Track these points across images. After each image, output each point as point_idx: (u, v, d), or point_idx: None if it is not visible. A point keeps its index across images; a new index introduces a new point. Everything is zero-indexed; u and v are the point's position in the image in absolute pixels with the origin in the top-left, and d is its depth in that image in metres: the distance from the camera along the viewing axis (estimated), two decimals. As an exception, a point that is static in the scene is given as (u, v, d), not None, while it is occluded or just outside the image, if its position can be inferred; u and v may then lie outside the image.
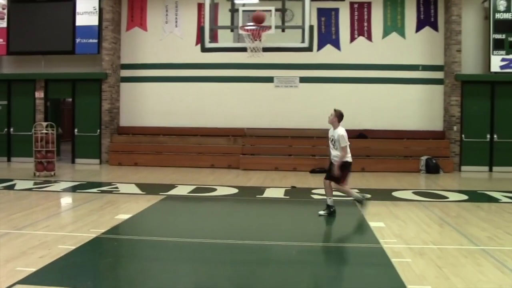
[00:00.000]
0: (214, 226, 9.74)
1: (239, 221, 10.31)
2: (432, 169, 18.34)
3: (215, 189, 13.88)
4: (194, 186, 14.28)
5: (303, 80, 20.12)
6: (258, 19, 11.52)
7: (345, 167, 10.27)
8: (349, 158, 10.29)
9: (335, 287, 6.43)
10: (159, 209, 11.26)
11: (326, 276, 6.96)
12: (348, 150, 10.27)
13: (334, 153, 10.35)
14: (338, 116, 10.35)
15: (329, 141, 10.47)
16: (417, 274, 6.56)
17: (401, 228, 9.35)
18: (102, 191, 13.30)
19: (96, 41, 19.85)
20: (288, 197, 13.00)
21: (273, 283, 6.40)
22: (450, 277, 6.48)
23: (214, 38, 16.74)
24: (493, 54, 19.09)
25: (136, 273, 6.79)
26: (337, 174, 10.15)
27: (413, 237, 8.63)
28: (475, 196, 13.48)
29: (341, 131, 10.20)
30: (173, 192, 13.41)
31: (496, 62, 19.10)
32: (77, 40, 19.93)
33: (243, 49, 12.44)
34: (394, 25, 20.04)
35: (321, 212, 10.40)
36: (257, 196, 13.10)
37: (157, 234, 8.94)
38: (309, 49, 12.31)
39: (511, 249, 7.96)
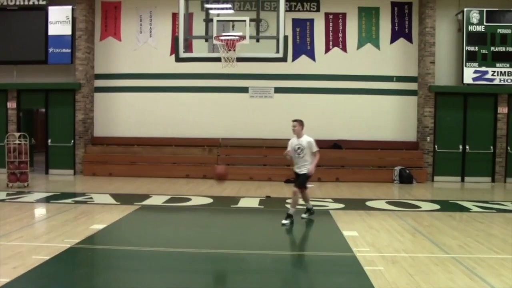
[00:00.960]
0: (189, 236, 9.72)
1: (213, 231, 10.28)
2: (405, 179, 18.50)
3: (189, 199, 13.84)
4: (169, 196, 14.23)
5: (278, 90, 20.20)
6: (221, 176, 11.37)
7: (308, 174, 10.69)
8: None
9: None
10: (134, 219, 11.21)
11: (300, 284, 6.99)
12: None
13: (301, 162, 10.69)
14: (302, 125, 10.82)
15: (294, 152, 10.72)
16: (389, 281, 6.63)
17: (374, 237, 9.43)
18: (76, 202, 13.18)
19: (69, 50, 19.71)
20: (262, 206, 13.03)
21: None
22: (421, 285, 6.55)
23: (188, 48, 16.76)
24: (466, 66, 19.36)
25: (111, 283, 6.75)
26: (311, 172, 10.61)
27: (385, 246, 8.71)
28: (447, 206, 13.64)
29: (309, 138, 10.71)
30: (147, 202, 13.35)
31: (469, 74, 19.37)
32: (50, 50, 19.76)
33: (218, 59, 12.49)
34: (368, 36, 20.25)
35: (304, 216, 11.11)
36: (231, 205, 13.12)
37: (132, 244, 8.89)
38: (283, 59, 12.40)
39: (480, 257, 8.08)
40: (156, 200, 13.72)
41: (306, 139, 10.65)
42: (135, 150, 19.98)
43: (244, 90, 20.24)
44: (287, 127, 19.58)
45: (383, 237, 9.48)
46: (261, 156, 19.53)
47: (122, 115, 20.60)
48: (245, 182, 17.88)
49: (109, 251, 8.45)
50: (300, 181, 10.72)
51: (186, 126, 20.26)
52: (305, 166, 10.67)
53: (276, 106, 20.13)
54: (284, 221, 10.39)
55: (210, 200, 13.77)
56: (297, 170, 10.81)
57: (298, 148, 10.63)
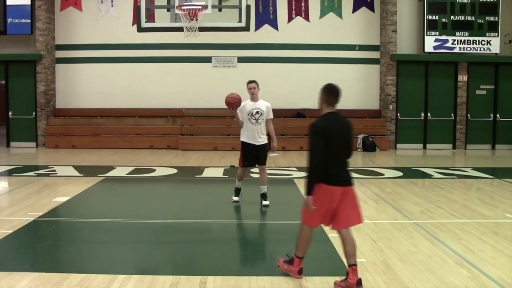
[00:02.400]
0: (154, 207, 9.70)
1: (178, 201, 10.31)
2: (368, 147, 18.73)
3: (154, 170, 13.80)
4: (133, 167, 14.16)
5: (241, 60, 20.11)
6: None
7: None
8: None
9: (275, 262, 6.52)
10: (98, 191, 11.15)
11: (267, 252, 7.08)
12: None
13: (260, 131, 9.29)
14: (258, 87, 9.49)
15: (250, 118, 9.20)
16: (352, 248, 6.74)
17: (338, 204, 9.55)
18: (39, 175, 13.02)
19: (29, 21, 19.24)
20: (227, 176, 13.05)
21: (213, 261, 6.45)
22: (384, 250, 6.69)
23: (150, 17, 16.57)
24: (427, 35, 19.58)
25: (75, 255, 6.74)
26: (275, 148, 9.51)
27: (349, 213, 8.83)
28: (410, 173, 13.88)
29: (265, 101, 9.42)
30: (111, 173, 13.26)
31: (430, 43, 19.61)
32: (9, 20, 19.26)
33: (180, 29, 12.37)
34: (331, 5, 20.22)
35: (265, 202, 9.46)
36: (196, 176, 13.13)
37: (96, 216, 8.85)
38: (245, 28, 12.37)
39: (441, 222, 8.28)
40: (120, 171, 13.64)
41: (264, 103, 9.33)
42: (98, 122, 19.73)
43: (207, 60, 20.08)
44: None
45: (346, 204, 9.60)
46: (225, 126, 19.49)
47: (85, 87, 20.24)
48: (209, 152, 17.87)
49: (73, 224, 8.40)
50: (265, 155, 9.47)
51: (149, 97, 20.04)
52: (264, 136, 9.37)
53: (239, 75, 19.95)
54: (265, 202, 9.39)
55: (174, 171, 13.76)
56: (253, 142, 9.25)
57: (257, 113, 9.21)
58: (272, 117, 9.50)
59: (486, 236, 7.45)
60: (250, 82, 9.41)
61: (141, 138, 19.15)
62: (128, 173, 13.33)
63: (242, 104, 9.21)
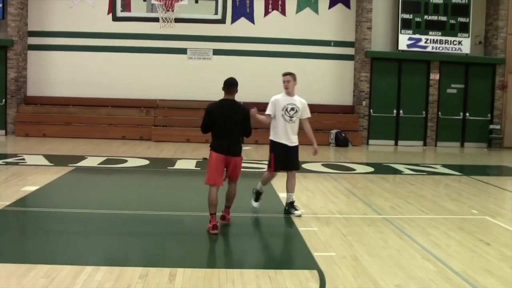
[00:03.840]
0: (124, 198, 9.65)
1: (149, 193, 10.23)
2: (341, 142, 18.87)
3: (126, 161, 13.71)
4: (105, 158, 14.05)
5: (216, 52, 20.05)
6: None
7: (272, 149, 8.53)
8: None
9: (245, 255, 6.58)
10: (68, 180, 11.03)
11: (237, 245, 7.10)
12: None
13: (294, 130, 8.27)
14: (296, 80, 8.39)
15: (284, 115, 8.20)
16: (322, 242, 6.82)
17: (309, 198, 9.63)
18: (7, 163, 12.83)
19: (0, 5, 18.94)
20: (199, 168, 13.01)
21: (183, 253, 6.45)
22: (353, 244, 6.76)
23: (126, 7, 16.49)
24: (401, 33, 19.80)
25: (42, 246, 6.65)
26: (317, 152, 8.60)
27: (320, 207, 8.92)
28: (381, 169, 14.03)
29: (302, 99, 8.39)
30: (82, 163, 13.13)
31: (404, 41, 19.84)
32: (-20, 4, 18.95)
33: (156, 19, 12.31)
34: (307, 1, 20.27)
35: (298, 212, 8.24)
36: (168, 167, 13.09)
37: (65, 206, 8.74)
38: (221, 21, 12.37)
39: (410, 217, 8.40)
40: (91, 161, 13.52)
41: (300, 100, 8.29)
42: (70, 111, 19.51)
43: (183, 51, 19.99)
44: (225, 89, 19.66)
45: (318, 198, 9.70)
46: (198, 118, 18.91)
47: (57, 75, 19.98)
48: (182, 144, 17.83)
49: (41, 214, 8.29)
50: (298, 158, 8.41)
51: (123, 87, 19.88)
52: (296, 136, 8.32)
53: (214, 68, 19.98)
54: (297, 213, 8.18)
55: (146, 162, 13.69)
56: (285, 142, 8.23)
57: (292, 109, 8.17)
58: (309, 115, 8.44)
59: (452, 232, 7.59)
60: (285, 74, 8.42)
61: (113, 128, 19.01)
62: (100, 163, 13.23)
63: (275, 97, 8.36)
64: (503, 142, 20.47)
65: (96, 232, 7.32)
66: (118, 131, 18.93)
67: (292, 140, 8.21)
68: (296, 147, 8.28)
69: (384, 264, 6.08)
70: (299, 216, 8.09)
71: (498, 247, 6.91)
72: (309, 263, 5.98)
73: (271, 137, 8.37)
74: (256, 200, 8.53)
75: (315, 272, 5.69)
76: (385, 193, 10.54)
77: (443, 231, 7.58)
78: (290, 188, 8.29)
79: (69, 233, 7.21)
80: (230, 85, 7.56)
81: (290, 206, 8.25)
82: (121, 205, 8.86)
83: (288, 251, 6.60)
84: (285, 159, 8.21)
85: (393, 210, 8.91)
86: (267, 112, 8.33)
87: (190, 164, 13.58)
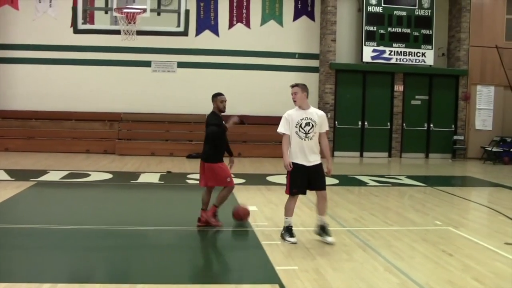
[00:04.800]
0: (86, 212, 9.40)
1: (111, 207, 10.04)
2: (307, 154, 18.78)
3: (89, 175, 13.45)
4: (67, 172, 13.76)
5: (181, 65, 19.94)
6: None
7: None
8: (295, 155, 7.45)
9: (206, 269, 6.45)
10: (29, 195, 10.76)
11: (199, 259, 6.96)
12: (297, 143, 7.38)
13: (312, 147, 7.36)
14: (307, 91, 7.46)
15: (299, 131, 7.30)
16: (285, 255, 6.73)
17: (273, 211, 9.54)
18: (-34, 178, 12.49)
19: (-40, 18, 18.55)
20: (163, 182, 12.86)
21: (145, 269, 6.29)
22: (316, 257, 6.68)
23: (90, 19, 16.24)
24: (365, 45, 19.92)
25: (1, 262, 6.42)
26: (330, 171, 7.76)
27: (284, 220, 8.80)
28: (346, 180, 14.01)
29: (319, 111, 7.56)
30: (44, 178, 12.84)
31: (368, 53, 19.97)
32: None
33: (118, 32, 12.16)
34: (272, 13, 20.32)
35: (330, 239, 7.41)
36: (131, 181, 12.86)
37: (25, 222, 8.50)
38: (184, 33, 12.27)
39: (374, 229, 8.37)
40: (54, 175, 13.23)
41: (317, 112, 7.37)
42: (33, 124, 19.13)
43: (147, 64, 19.84)
44: (190, 101, 19.63)
45: (281, 211, 9.46)
46: (163, 131, 19.29)
47: (20, 88, 19.59)
48: (147, 157, 17.60)
49: (1, 230, 8.04)
50: (322, 177, 7.55)
51: (87, 100, 19.59)
52: (316, 153, 7.40)
53: (179, 81, 19.89)
54: (329, 239, 7.36)
55: (109, 176, 13.45)
56: (302, 162, 7.33)
57: (307, 124, 7.26)
58: (327, 129, 7.54)
59: (416, 243, 7.57)
60: (292, 86, 7.54)
61: (77, 142, 18.67)
62: (62, 178, 12.95)
63: (288, 113, 7.40)
64: (466, 153, 20.71)
65: (56, 248, 7.10)
66: (82, 144, 18.60)
67: (310, 159, 7.28)
68: (317, 166, 7.37)
69: (346, 277, 6.01)
70: (331, 243, 7.26)
71: (460, 258, 6.90)
72: (271, 276, 5.89)
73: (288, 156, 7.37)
74: (291, 235, 7.41)
75: (276, 286, 5.60)
76: (350, 205, 10.51)
77: (407, 242, 7.55)
78: (320, 211, 7.49)
79: (27, 249, 6.98)
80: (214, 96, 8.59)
81: (322, 230, 7.43)
82: (82, 220, 8.63)
83: (249, 265, 6.48)
84: (303, 181, 7.39)
85: (357, 222, 8.87)
86: (281, 131, 7.34)
87: (154, 178, 13.38)
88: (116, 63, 19.60)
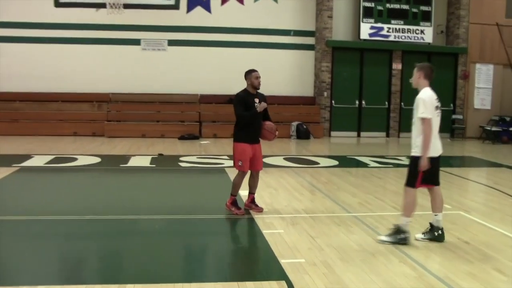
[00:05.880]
0: (72, 201, 8.69)
1: (99, 194, 9.31)
2: (302, 134, 18.30)
3: (75, 159, 12.72)
4: (53, 156, 13.03)
5: (172, 43, 19.20)
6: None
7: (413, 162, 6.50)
8: (417, 146, 6.44)
9: (203, 265, 5.84)
10: (11, 182, 10.08)
11: (196, 253, 6.35)
12: (433, 130, 6.36)
13: (413, 132, 6.56)
14: (424, 72, 6.60)
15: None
16: (290, 246, 6.15)
17: (272, 196, 8.95)
18: None
19: None
20: (154, 165, 12.22)
21: (135, 266, 5.72)
22: (323, 248, 6.12)
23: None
24: (362, 22, 19.27)
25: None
26: (423, 167, 6.36)
27: (285, 206, 8.24)
28: (345, 162, 13.47)
29: (422, 93, 6.42)
30: (28, 163, 12.09)
31: (366, 30, 19.33)
32: None
33: (103, 5, 11.44)
34: (266, -11, 19.61)
35: (419, 236, 6.63)
36: (121, 165, 12.18)
37: (8, 212, 7.86)
38: (175, 6, 11.57)
39: (381, 215, 7.81)
40: (38, 160, 12.50)
41: (419, 94, 6.45)
42: (16, 106, 18.34)
43: (136, 42, 19.06)
44: (181, 81, 18.96)
45: (281, 196, 9.03)
46: (154, 112, 18.62)
47: (2, 68, 18.75)
48: (137, 140, 16.93)
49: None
50: (410, 171, 6.55)
51: (74, 80, 18.77)
52: (415, 143, 6.47)
53: (170, 59, 19.16)
54: (396, 237, 6.37)
55: (98, 160, 12.75)
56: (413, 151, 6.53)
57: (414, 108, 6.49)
58: (420, 114, 6.36)
59: (428, 230, 7.01)
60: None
61: (64, 124, 17.92)
62: (47, 163, 12.22)
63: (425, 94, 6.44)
64: (465, 132, 20.23)
65: (38, 242, 6.45)
66: (69, 127, 17.86)
67: (413, 144, 6.50)
68: (409, 158, 6.60)
69: (359, 270, 5.44)
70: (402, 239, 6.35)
71: (478, 246, 6.38)
72: (276, 272, 5.32)
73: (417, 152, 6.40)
74: (402, 239, 6.39)
75: (283, 283, 5.02)
76: (352, 188, 9.94)
77: (418, 229, 6.97)
78: (434, 207, 6.66)
79: (5, 246, 6.37)
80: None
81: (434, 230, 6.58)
82: (67, 209, 7.94)
83: (252, 259, 5.90)
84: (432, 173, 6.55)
85: (363, 207, 8.30)
86: (428, 116, 6.28)
87: (145, 161, 12.70)
88: (104, 41, 18.79)
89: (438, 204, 6.64)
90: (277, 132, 7.89)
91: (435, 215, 6.60)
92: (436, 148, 6.48)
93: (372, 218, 7.56)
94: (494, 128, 19.13)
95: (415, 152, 6.42)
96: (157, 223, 7.27)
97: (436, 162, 6.53)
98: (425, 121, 6.23)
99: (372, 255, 5.93)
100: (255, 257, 6.01)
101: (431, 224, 6.62)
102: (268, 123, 7.83)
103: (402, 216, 6.47)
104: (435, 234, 6.54)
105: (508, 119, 19.53)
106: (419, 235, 6.62)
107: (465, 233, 6.95)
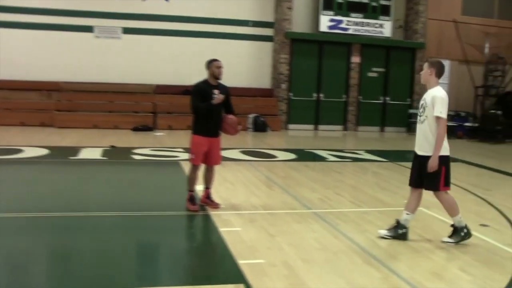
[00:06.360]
0: (14, 197, 8.09)
1: (46, 189, 8.74)
2: (260, 127, 18.00)
3: (21, 151, 11.99)
4: (-4, 147, 12.33)
5: (126, 31, 18.59)
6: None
7: (441, 164, 6.07)
8: (445, 146, 6.17)
9: (156, 268, 5.44)
10: None
11: (147, 254, 5.94)
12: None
13: (421, 134, 6.20)
14: (436, 69, 6.16)
15: (419, 111, 6.30)
16: (248, 245, 5.79)
17: (229, 191, 8.58)
18: None
19: None
20: (106, 158, 11.68)
21: (84, 272, 5.28)
22: (283, 247, 5.79)
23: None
24: (322, 14, 19.06)
25: None
26: (432, 168, 6.02)
27: (242, 202, 7.89)
28: (303, 155, 13.22)
29: (438, 91, 6.07)
30: (-33, 155, 11.38)
31: (325, 22, 19.13)
32: None
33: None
34: (224, -22, 19.18)
35: (446, 239, 6.30)
36: (70, 157, 11.57)
37: None
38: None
39: (342, 211, 7.54)
40: (-21, 152, 11.77)
41: (435, 92, 6.07)
42: (-41, 95, 17.45)
43: (89, 29, 18.38)
44: (136, 70, 18.38)
45: (239, 191, 8.68)
46: (106, 102, 17.99)
47: None
48: (89, 131, 16.31)
49: None
50: (428, 175, 6.11)
51: (22, 68, 17.89)
52: (427, 142, 6.10)
53: (124, 48, 18.56)
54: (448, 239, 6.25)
55: (46, 151, 12.08)
56: (416, 149, 6.30)
57: (421, 105, 6.25)
58: (436, 113, 6.05)
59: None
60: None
61: (10, 114, 17.04)
62: (-11, 154, 11.52)
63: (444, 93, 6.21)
64: (422, 127, 20.22)
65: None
66: (16, 116, 17.02)
67: (418, 148, 6.28)
68: (423, 158, 6.16)
69: (321, 272, 5.14)
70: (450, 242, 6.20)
71: (441, 245, 6.16)
72: (234, 274, 4.96)
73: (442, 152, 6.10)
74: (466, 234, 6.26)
75: (241, 286, 4.67)
76: (311, 183, 9.66)
77: (380, 226, 6.71)
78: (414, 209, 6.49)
79: None
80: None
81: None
82: (8, 206, 7.38)
83: (208, 260, 5.51)
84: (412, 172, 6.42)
85: (323, 203, 8.01)
86: (445, 116, 6.03)
87: (96, 153, 12.11)
88: (55, 27, 18.01)
89: (418, 206, 6.46)
90: (239, 127, 7.51)
91: (407, 214, 6.37)
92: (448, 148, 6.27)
93: (333, 215, 7.27)
94: (449, 123, 19.15)
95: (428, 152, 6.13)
96: (107, 221, 6.83)
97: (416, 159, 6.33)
98: (442, 121, 6.01)
99: (335, 254, 5.63)
100: (212, 258, 5.63)
101: (397, 221, 6.37)
102: (230, 116, 7.46)
103: (452, 217, 6.28)
104: (398, 232, 6.29)
105: (463, 114, 19.64)
106: (383, 232, 6.37)
107: (427, 231, 6.74)
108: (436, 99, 6.02)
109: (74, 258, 5.56)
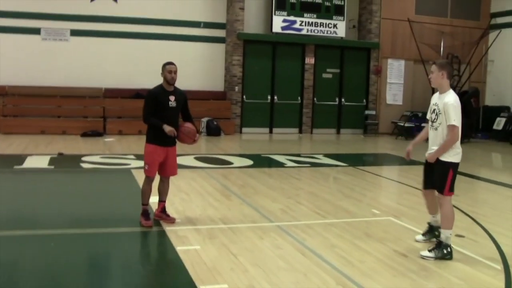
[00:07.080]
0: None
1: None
2: (213, 131, 17.51)
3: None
4: None
5: (74, 33, 17.80)
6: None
7: (450, 169, 5.97)
8: (457, 153, 6.01)
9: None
10: None
11: (95, 276, 5.39)
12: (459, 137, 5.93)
13: (434, 138, 6.06)
14: (447, 71, 6.04)
15: (429, 115, 6.21)
16: (209, 267, 5.30)
17: (184, 202, 8.08)
18: None
19: None
20: (53, 166, 11.00)
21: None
22: (248, 268, 5.33)
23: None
24: (275, 15, 18.68)
25: None
26: (429, 160, 6.11)
27: (199, 215, 7.40)
28: (260, 161, 12.83)
29: (450, 97, 5.90)
30: None
31: (278, 23, 18.75)
32: None
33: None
34: (174, -22, 18.60)
35: (419, 238, 6.51)
36: (15, 166, 10.85)
37: None
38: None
39: (307, 224, 7.13)
40: None
41: (447, 98, 5.89)
42: None
43: (36, 31, 17.51)
44: (85, 74, 17.62)
45: (195, 202, 8.18)
46: (54, 107, 17.20)
47: None
48: (36, 136, 15.50)
49: None
50: (438, 177, 6.00)
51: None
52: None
53: (72, 50, 17.75)
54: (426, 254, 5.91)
55: (-13, 160, 11.40)
56: (428, 154, 6.16)
57: (433, 111, 6.08)
58: (451, 121, 5.86)
59: (359, 240, 6.39)
60: (432, 64, 6.23)
61: (-50, 119, 16.19)
62: None
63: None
64: (378, 128, 20.12)
65: None
66: (-44, 122, 16.16)
67: (431, 148, 6.14)
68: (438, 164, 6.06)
69: (291, 297, 4.72)
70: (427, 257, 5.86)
71: (417, 260, 5.79)
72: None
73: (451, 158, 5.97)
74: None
75: (204, 318, 4.22)
76: (270, 191, 9.23)
77: (350, 240, 6.36)
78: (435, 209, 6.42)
79: None
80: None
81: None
82: None
83: (165, 287, 5.03)
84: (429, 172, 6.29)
85: (286, 215, 7.58)
86: (458, 124, 5.87)
87: (43, 161, 11.40)
88: (0, 30, 17.20)
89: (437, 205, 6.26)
90: (197, 137, 6.98)
91: (433, 216, 6.41)
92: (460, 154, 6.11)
93: (297, 228, 6.85)
94: (407, 124, 19.08)
95: (445, 157, 5.98)
96: (54, 239, 6.25)
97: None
98: (455, 129, 5.84)
99: (305, 275, 5.20)
100: (169, 284, 5.12)
101: (430, 225, 6.47)
102: (187, 125, 6.94)
103: (443, 229, 6.00)
104: (435, 234, 6.29)
105: (420, 114, 19.57)
106: (420, 237, 6.49)
107: (400, 244, 6.37)
108: (448, 107, 5.84)
109: (10, 283, 4.97)
